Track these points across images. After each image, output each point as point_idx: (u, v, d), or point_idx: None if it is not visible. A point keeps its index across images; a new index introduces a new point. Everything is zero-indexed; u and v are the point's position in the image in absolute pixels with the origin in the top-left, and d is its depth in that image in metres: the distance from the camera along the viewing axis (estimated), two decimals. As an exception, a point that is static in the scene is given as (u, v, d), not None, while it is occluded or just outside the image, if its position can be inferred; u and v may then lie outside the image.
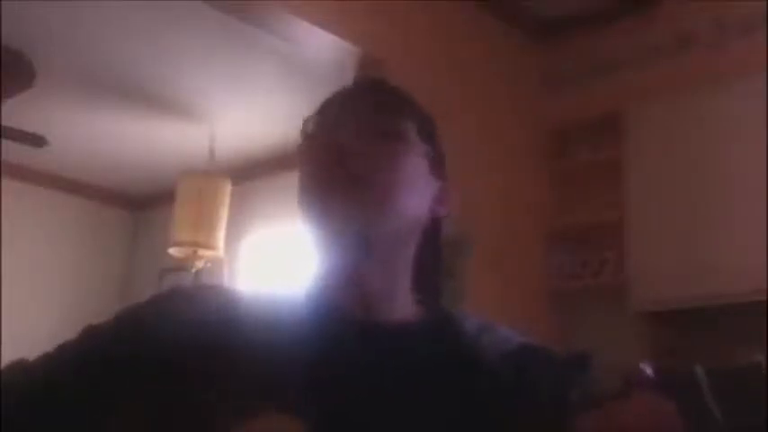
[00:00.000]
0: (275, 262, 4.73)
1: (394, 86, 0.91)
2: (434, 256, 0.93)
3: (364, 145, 0.83)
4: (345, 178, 0.81)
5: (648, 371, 0.69)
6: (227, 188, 4.38)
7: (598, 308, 3.52)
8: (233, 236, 4.65)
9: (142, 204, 5.92)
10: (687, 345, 3.14)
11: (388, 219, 0.83)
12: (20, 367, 0.79)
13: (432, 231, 0.91)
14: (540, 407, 0.78)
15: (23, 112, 4.16)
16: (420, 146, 0.87)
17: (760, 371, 0.69)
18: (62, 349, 0.79)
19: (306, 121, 0.89)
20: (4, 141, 4.20)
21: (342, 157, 0.82)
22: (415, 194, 0.86)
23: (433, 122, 0.90)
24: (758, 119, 3.03)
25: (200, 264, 4.37)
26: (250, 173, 4.96)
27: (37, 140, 4.21)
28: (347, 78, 3.00)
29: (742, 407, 0.69)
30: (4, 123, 3.99)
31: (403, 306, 0.87)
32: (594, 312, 3.52)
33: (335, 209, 0.82)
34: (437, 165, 0.89)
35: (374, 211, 0.82)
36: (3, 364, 0.79)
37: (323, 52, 3.07)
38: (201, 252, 4.28)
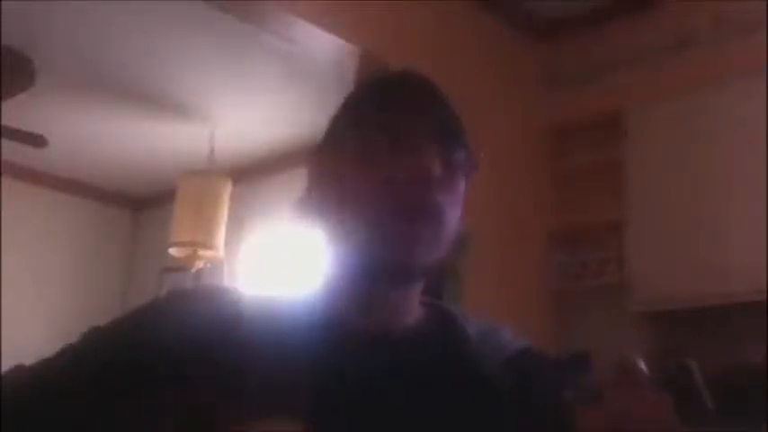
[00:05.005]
0: (275, 262, 4.73)
1: (443, 95, 0.87)
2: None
3: (442, 175, 0.80)
4: (427, 209, 0.78)
5: (641, 364, 0.70)
6: (227, 188, 4.38)
7: (598, 308, 3.51)
8: (233, 236, 4.65)
9: (142, 204, 5.92)
10: (687, 344, 3.14)
11: (443, 251, 0.81)
12: (21, 371, 0.78)
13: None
14: (540, 412, 0.78)
15: (23, 112, 4.16)
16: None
17: (760, 372, 0.69)
18: (64, 353, 0.79)
19: (354, 124, 0.84)
20: (4, 141, 4.20)
21: (428, 188, 0.78)
22: (459, 219, 0.84)
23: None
24: (758, 119, 3.03)
25: (200, 264, 4.37)
26: (250, 173, 4.96)
27: (37, 140, 4.21)
28: (347, 78, 3.00)
29: (742, 407, 0.69)
30: (4, 123, 3.99)
31: (410, 313, 0.86)
32: (594, 312, 3.52)
33: (405, 238, 0.78)
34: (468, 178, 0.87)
35: (438, 245, 0.80)
36: (2, 364, 0.79)
37: (323, 52, 3.07)
38: (201, 252, 4.28)
